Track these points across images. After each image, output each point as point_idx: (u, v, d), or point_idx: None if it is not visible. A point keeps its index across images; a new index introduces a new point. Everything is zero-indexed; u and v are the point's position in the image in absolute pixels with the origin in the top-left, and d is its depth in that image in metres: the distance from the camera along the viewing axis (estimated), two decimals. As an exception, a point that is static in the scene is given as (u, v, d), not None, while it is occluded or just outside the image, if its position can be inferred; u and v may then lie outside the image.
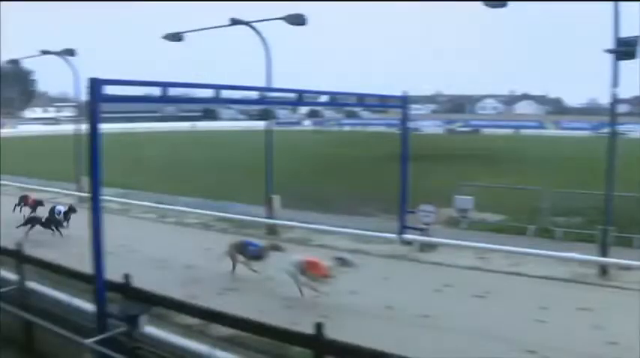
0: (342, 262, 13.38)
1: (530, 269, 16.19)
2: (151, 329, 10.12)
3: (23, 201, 23.10)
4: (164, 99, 11.56)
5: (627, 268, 15.64)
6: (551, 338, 10.92)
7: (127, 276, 10.55)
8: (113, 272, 10.39)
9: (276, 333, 9.13)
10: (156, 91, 11.30)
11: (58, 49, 28.39)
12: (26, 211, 22.29)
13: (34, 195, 24.02)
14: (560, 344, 10.63)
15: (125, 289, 10.54)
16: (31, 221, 20.09)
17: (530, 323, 11.67)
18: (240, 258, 15.40)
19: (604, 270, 15.78)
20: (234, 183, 31.80)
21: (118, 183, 28.59)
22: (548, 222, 20.70)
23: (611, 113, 16.52)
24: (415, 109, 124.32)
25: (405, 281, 14.91)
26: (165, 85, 11.12)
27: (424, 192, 22.02)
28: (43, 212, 21.21)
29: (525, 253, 16.84)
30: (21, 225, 19.68)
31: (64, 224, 20.23)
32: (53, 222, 20.11)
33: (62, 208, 20.69)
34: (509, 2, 15.81)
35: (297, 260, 13.68)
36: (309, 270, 13.41)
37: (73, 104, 40.09)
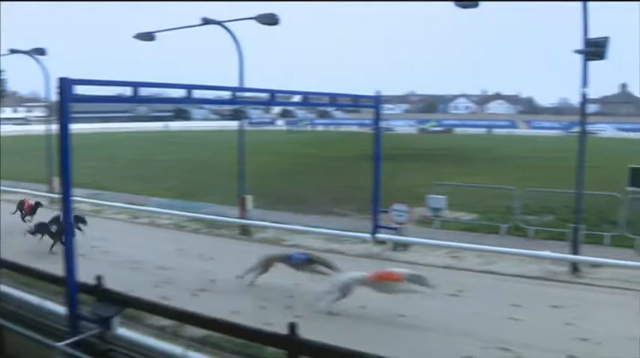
0: (416, 279, 12.55)
1: (503, 267, 16.33)
2: (124, 331, 10.04)
3: (22, 206, 21.62)
4: (135, 99, 11.47)
5: (598, 265, 15.88)
6: (525, 335, 11.00)
7: (99, 278, 10.46)
8: (85, 274, 10.30)
9: (249, 334, 9.10)
10: (127, 91, 11.22)
11: (28, 47, 28.06)
12: (29, 217, 20.93)
13: (29, 200, 22.38)
14: (533, 341, 10.73)
15: (97, 291, 10.45)
16: (41, 229, 18.07)
17: (503, 321, 11.76)
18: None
19: (575, 268, 15.97)
20: (207, 183, 31.70)
21: (90, 184, 28.39)
22: (520, 221, 20.88)
23: (581, 113, 16.68)
24: (388, 109, 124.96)
25: (379, 280, 14.92)
26: (136, 85, 11.03)
27: (397, 192, 22.17)
28: (42, 215, 19.98)
29: (498, 251, 16.98)
30: (29, 233, 18.05)
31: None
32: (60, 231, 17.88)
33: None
34: (480, 2, 15.86)
35: (359, 277, 12.70)
36: (379, 281, 12.53)
37: (44, 104, 39.72)
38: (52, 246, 17.19)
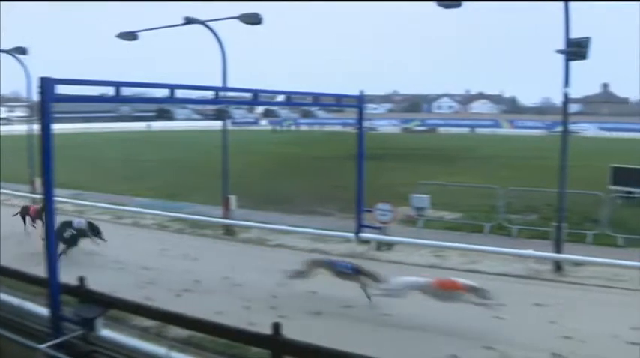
0: (478, 292, 12.03)
1: (487, 266, 16.40)
2: (107, 332, 9.99)
3: (26, 211, 20.36)
4: (118, 98, 11.42)
5: (580, 264, 15.99)
6: (509, 334, 11.06)
7: (81, 279, 10.40)
8: (68, 275, 10.24)
9: (233, 334, 9.07)
10: (110, 91, 11.16)
11: (9, 47, 27.83)
12: (34, 224, 19.80)
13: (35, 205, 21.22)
14: (517, 340, 10.79)
15: (80, 292, 10.39)
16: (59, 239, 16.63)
17: (487, 320, 11.77)
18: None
19: (558, 266, 16.08)
20: (191, 183, 31.59)
21: (73, 184, 28.21)
22: (503, 220, 20.97)
23: (563, 112, 16.77)
24: (371, 109, 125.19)
25: (363, 280, 14.92)
26: (118, 85, 10.97)
27: (381, 191, 22.18)
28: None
29: (482, 250, 17.06)
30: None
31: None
32: (76, 237, 17.07)
33: (81, 221, 17.73)
34: (463, 2, 15.92)
35: (422, 282, 12.39)
36: (442, 290, 12.16)
37: (26, 104, 39.45)
38: (63, 251, 15.91)
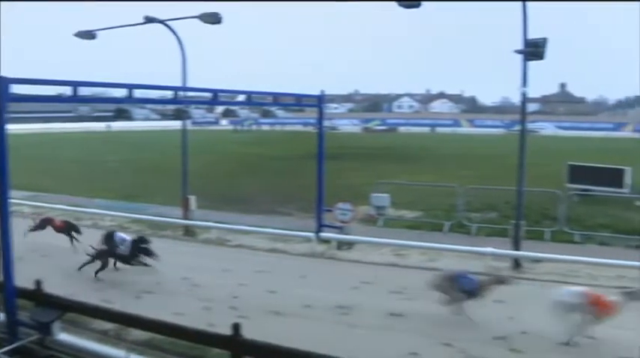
0: (634, 296, 10.81)
1: (447, 264, 16.48)
2: (64, 336, 9.86)
3: (47, 224, 18.47)
4: (75, 98, 11.28)
5: (538, 261, 16.22)
6: (468, 330, 11.16)
7: (38, 282, 10.24)
8: (25, 279, 10.08)
9: (192, 335, 9.02)
10: (67, 91, 11.02)
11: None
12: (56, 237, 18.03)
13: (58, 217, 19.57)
14: (476, 336, 10.88)
15: (37, 295, 10.23)
16: (103, 256, 15.11)
17: (447, 317, 11.87)
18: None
19: (517, 263, 16.27)
20: (151, 184, 31.35)
21: (30, 186, 27.81)
22: (463, 218, 21.16)
23: (521, 111, 16.96)
24: (332, 108, 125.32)
25: (323, 279, 14.93)
26: (76, 85, 10.85)
27: (342, 191, 22.26)
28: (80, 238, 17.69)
29: (441, 248, 17.23)
30: (87, 263, 15.14)
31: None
32: (136, 253, 15.26)
33: (127, 236, 15.72)
34: (422, 2, 16.00)
35: (576, 292, 10.97)
36: (592, 306, 10.60)
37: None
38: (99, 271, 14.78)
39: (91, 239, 16.38)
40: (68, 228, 18.19)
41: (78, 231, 18.10)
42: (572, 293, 10.86)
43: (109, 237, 15.50)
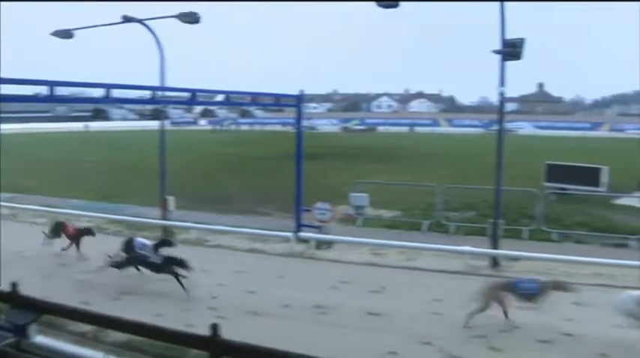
0: None
1: (425, 263, 16.61)
2: (41, 339, 9.76)
3: (61, 229, 17.73)
4: (52, 98, 11.21)
5: (516, 259, 16.34)
6: (446, 329, 11.26)
7: (14, 284, 10.13)
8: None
9: (171, 336, 8.93)
10: (44, 91, 10.95)
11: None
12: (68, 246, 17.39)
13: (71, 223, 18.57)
14: (454, 334, 10.99)
15: (13, 298, 10.12)
16: (131, 262, 14.74)
17: (425, 316, 11.95)
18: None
19: (495, 262, 16.39)
20: (129, 184, 31.18)
21: (6, 187, 27.55)
22: (441, 217, 21.25)
23: (499, 111, 17.06)
24: (311, 108, 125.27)
25: (302, 279, 14.97)
26: (52, 84, 10.79)
27: (320, 190, 22.27)
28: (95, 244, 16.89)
29: (420, 248, 17.32)
30: (113, 266, 14.78)
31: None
32: (170, 263, 14.12)
33: (147, 241, 15.18)
34: (401, 2, 16.07)
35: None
36: None
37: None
38: (180, 284, 13.81)
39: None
40: (81, 235, 17.44)
41: (92, 235, 17.53)
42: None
43: (129, 244, 14.97)
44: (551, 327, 11.00)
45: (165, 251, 14.54)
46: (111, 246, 16.72)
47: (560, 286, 11.76)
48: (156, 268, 14.32)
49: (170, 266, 14.02)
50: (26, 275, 11.67)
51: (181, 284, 13.68)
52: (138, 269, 14.73)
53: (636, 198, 23.95)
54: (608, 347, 10.15)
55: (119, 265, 14.70)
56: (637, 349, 10.13)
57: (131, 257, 14.71)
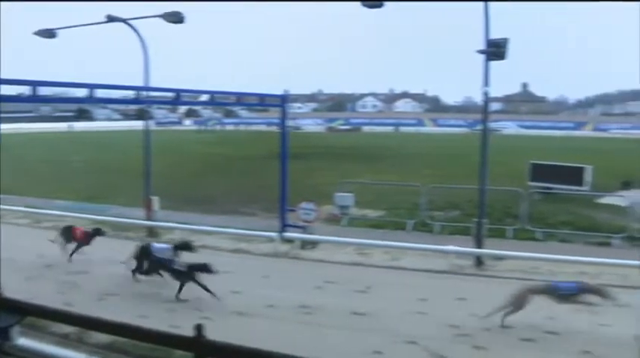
0: None
1: (410, 262, 16.63)
2: (24, 341, 9.70)
3: (70, 234, 17.21)
4: (35, 98, 11.12)
5: (501, 258, 16.41)
6: (431, 328, 11.25)
7: (-5, 287, 10.06)
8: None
9: (155, 337, 8.90)
10: (26, 91, 10.87)
11: None
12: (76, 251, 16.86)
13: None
14: (439, 333, 10.98)
15: (-5, 300, 10.04)
16: (154, 268, 14.14)
17: (410, 315, 11.96)
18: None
19: (479, 261, 16.45)
20: (114, 184, 31.02)
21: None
22: (426, 217, 21.29)
23: (483, 111, 17.11)
24: (296, 108, 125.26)
25: (287, 279, 14.94)
26: (35, 84, 10.71)
27: (305, 190, 22.25)
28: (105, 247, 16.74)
29: (405, 247, 17.35)
30: (140, 272, 14.38)
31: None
32: (195, 270, 13.24)
33: (165, 245, 14.80)
34: (385, 3, 16.09)
35: None
36: None
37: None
38: (180, 289, 13.28)
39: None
40: (91, 237, 17.05)
41: (102, 235, 17.26)
42: None
43: (145, 250, 14.46)
44: (534, 326, 11.04)
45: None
46: (95, 247, 16.76)
47: (597, 291, 11.51)
48: (180, 276, 13.42)
49: (196, 273, 13.21)
50: (8, 276, 11.61)
51: (208, 290, 12.95)
52: (160, 275, 14.13)
53: (619, 197, 24.08)
54: (592, 345, 10.21)
55: (144, 272, 14.23)
56: (621, 346, 10.18)
57: (153, 263, 14.10)
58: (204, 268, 13.12)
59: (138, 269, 14.37)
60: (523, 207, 20.54)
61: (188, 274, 13.27)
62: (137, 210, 21.82)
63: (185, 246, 14.59)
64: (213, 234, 19.65)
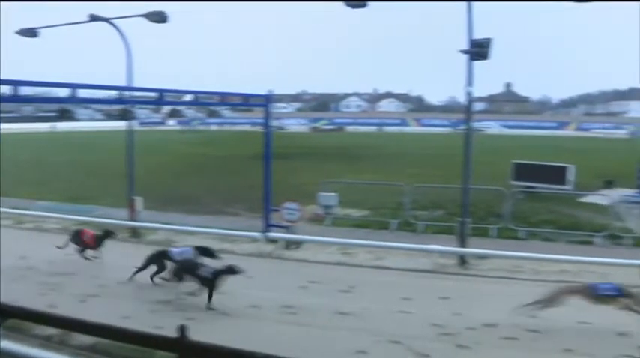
0: None
1: (394, 262, 16.66)
2: (6, 343, 9.64)
3: (79, 237, 16.92)
4: (16, 98, 11.06)
5: (484, 257, 16.49)
6: (415, 328, 11.26)
7: (-24, 290, 10.00)
8: None
9: (138, 338, 8.89)
10: (7, 90, 10.80)
11: None
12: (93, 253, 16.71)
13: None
14: (422, 333, 10.98)
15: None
16: (178, 273, 13.23)
17: (394, 314, 11.98)
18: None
19: (463, 260, 16.52)
20: (97, 185, 30.89)
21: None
22: (410, 216, 21.35)
23: (467, 111, 17.18)
24: (280, 108, 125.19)
25: (271, 279, 14.87)
26: (16, 84, 10.64)
27: (289, 190, 22.25)
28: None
29: (388, 247, 17.38)
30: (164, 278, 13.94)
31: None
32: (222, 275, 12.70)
33: (185, 248, 14.75)
34: (369, 3, 16.12)
35: None
36: None
37: None
38: (209, 298, 12.49)
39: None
40: (102, 239, 16.74)
41: (113, 236, 17.01)
42: None
43: (162, 256, 14.25)
44: (517, 324, 11.08)
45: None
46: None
47: (634, 296, 11.27)
48: (206, 282, 12.66)
49: (223, 277, 12.72)
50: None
51: (210, 297, 12.52)
52: (181, 281, 13.31)
53: (601, 196, 24.27)
54: (574, 343, 10.27)
55: (174, 277, 13.34)
56: (603, 344, 10.26)
57: (179, 267, 13.38)
58: (231, 270, 12.69)
59: (157, 273, 14.09)
60: (506, 206, 20.66)
61: (215, 280, 12.64)
62: (121, 211, 21.72)
63: (206, 252, 14.33)
64: (197, 235, 19.56)
